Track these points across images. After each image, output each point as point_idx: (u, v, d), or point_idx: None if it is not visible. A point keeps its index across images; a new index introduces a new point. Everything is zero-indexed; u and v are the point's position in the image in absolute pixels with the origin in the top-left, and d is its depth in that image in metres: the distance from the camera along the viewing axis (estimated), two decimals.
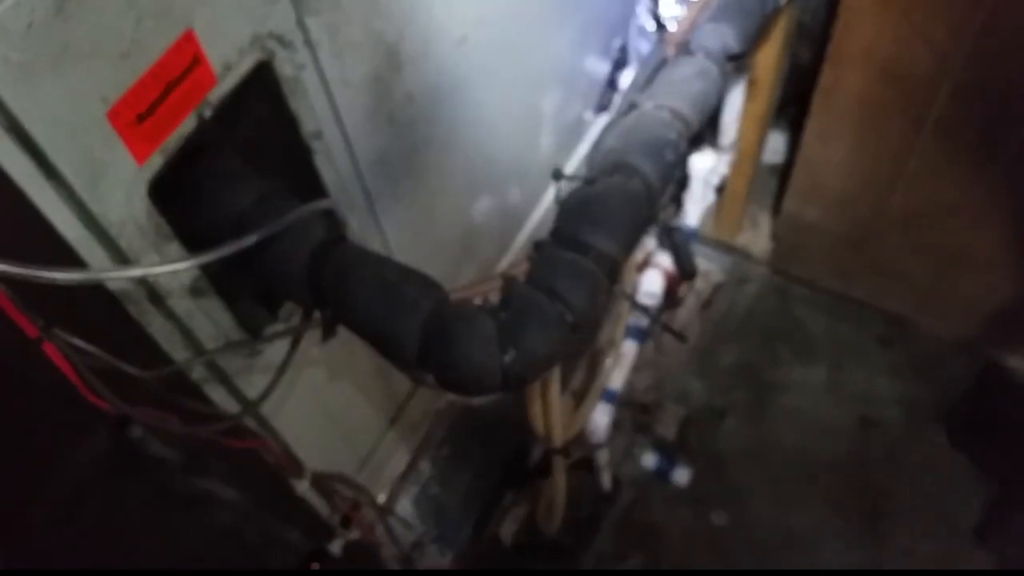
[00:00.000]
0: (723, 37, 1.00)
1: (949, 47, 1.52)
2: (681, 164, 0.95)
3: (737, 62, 1.03)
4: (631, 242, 0.88)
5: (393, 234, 1.15)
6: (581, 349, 1.32)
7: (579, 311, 0.81)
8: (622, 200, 0.89)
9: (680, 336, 1.52)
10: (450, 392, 0.79)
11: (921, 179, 1.76)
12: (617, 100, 1.54)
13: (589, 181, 0.93)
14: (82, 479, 0.90)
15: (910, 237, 1.92)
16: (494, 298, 0.87)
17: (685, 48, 0.99)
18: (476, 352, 0.76)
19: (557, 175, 0.96)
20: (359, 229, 1.07)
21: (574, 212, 0.89)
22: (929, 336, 2.13)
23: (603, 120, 1.59)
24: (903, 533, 1.95)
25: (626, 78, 1.53)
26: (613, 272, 0.86)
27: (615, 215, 0.87)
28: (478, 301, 0.89)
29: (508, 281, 0.86)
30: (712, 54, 0.98)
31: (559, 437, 1.17)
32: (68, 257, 0.70)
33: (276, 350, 0.94)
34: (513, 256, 1.58)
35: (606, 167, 0.93)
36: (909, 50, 1.55)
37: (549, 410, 1.11)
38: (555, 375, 1.06)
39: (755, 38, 1.07)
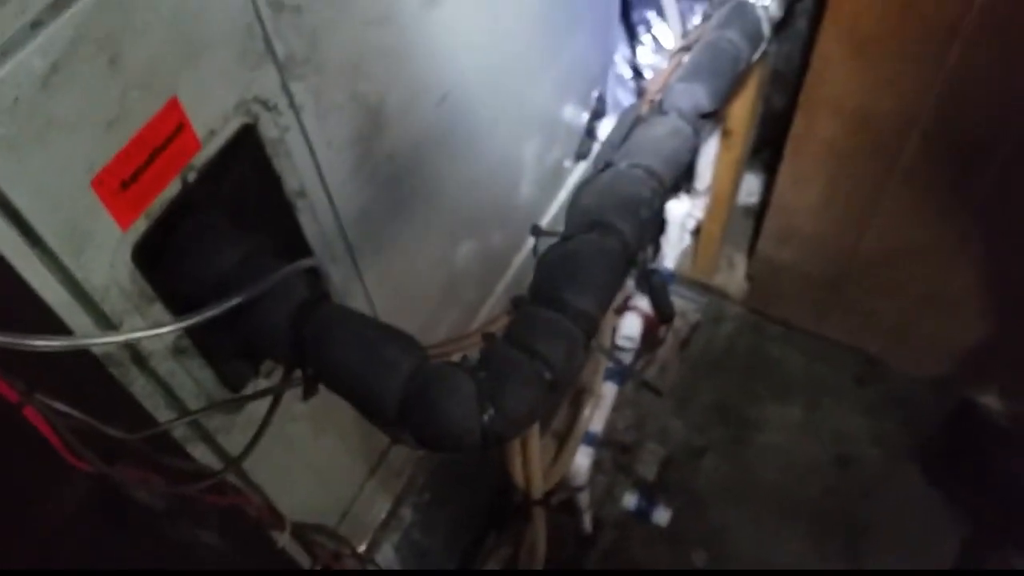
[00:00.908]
0: (695, 96, 1.03)
1: (917, 96, 1.58)
2: (656, 220, 0.97)
3: (710, 119, 1.06)
4: (607, 299, 0.90)
5: (374, 285, 1.16)
6: (558, 403, 1.33)
7: (557, 369, 0.82)
8: (599, 258, 0.91)
9: (656, 390, 1.54)
10: (429, 450, 0.79)
11: (892, 223, 1.80)
12: (596, 148, 1.57)
13: (566, 237, 0.95)
14: (65, 520, 0.89)
15: (882, 278, 1.96)
16: (474, 352, 0.88)
17: (659, 107, 1.03)
18: (455, 411, 0.77)
19: (535, 231, 0.98)
20: (341, 281, 1.09)
21: (552, 270, 0.91)
22: (903, 375, 2.17)
23: (582, 167, 1.63)
24: (882, 570, 1.96)
25: (605, 127, 1.57)
26: (590, 329, 0.88)
27: (592, 273, 0.89)
28: (457, 358, 0.90)
29: (487, 339, 0.88)
30: (684, 113, 1.02)
31: (539, 489, 1.18)
32: (51, 322, 0.71)
33: (258, 405, 0.95)
34: (496, 300, 1.59)
35: (583, 224, 0.95)
36: (878, 99, 1.60)
37: (529, 463, 1.12)
38: (534, 429, 1.07)
39: (727, 95, 1.10)
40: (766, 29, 1.17)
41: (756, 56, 1.14)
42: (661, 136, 1.00)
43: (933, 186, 1.70)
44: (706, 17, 1.26)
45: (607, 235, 0.93)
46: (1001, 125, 1.54)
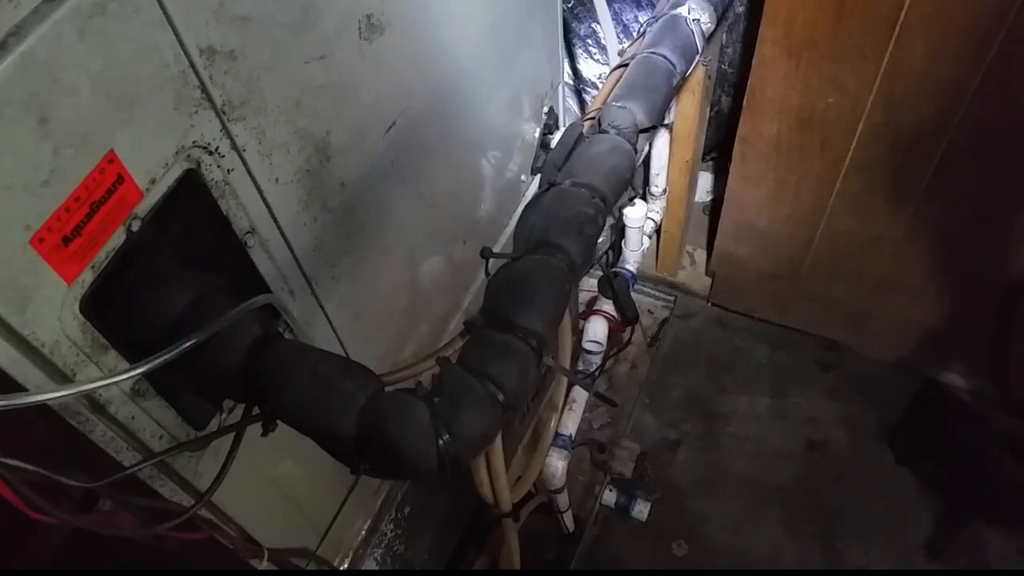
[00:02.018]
0: (632, 114, 1.06)
1: (858, 92, 1.61)
2: (598, 236, 1.00)
3: (651, 132, 1.09)
4: (556, 317, 0.92)
5: (336, 312, 1.18)
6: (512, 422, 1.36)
7: (510, 390, 0.85)
8: (546, 278, 0.93)
9: (611, 402, 1.57)
10: (389, 479, 0.81)
11: (843, 215, 1.85)
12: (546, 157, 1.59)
13: (515, 258, 0.97)
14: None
15: (838, 268, 2.00)
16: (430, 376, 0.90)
17: (598, 125, 1.05)
18: (411, 440, 0.79)
19: (485, 253, 1.00)
20: (302, 312, 1.10)
21: (501, 292, 0.93)
22: (866, 358, 2.22)
23: (538, 180, 1.65)
24: (857, 551, 2.01)
25: (557, 139, 1.60)
26: (540, 348, 0.90)
27: (539, 293, 0.91)
28: (415, 383, 0.92)
29: (442, 363, 0.90)
30: (623, 131, 1.04)
31: (507, 502, 1.21)
32: (1, 380, 0.72)
33: (224, 438, 0.96)
34: (463, 313, 1.61)
35: (530, 245, 0.97)
36: (822, 98, 1.64)
37: (495, 478, 1.15)
38: (497, 445, 1.09)
39: (663, 110, 1.13)
40: (699, 43, 1.19)
41: (691, 69, 1.17)
42: (602, 154, 1.02)
43: (880, 178, 1.74)
44: (642, 33, 1.29)
45: (553, 254, 0.95)
46: (941, 114, 1.58)
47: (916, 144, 1.67)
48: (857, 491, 2.08)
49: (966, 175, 1.67)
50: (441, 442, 0.80)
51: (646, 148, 1.73)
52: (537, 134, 1.61)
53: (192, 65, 0.79)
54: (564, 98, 1.66)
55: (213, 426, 1.00)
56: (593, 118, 1.06)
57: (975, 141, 1.59)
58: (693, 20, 1.19)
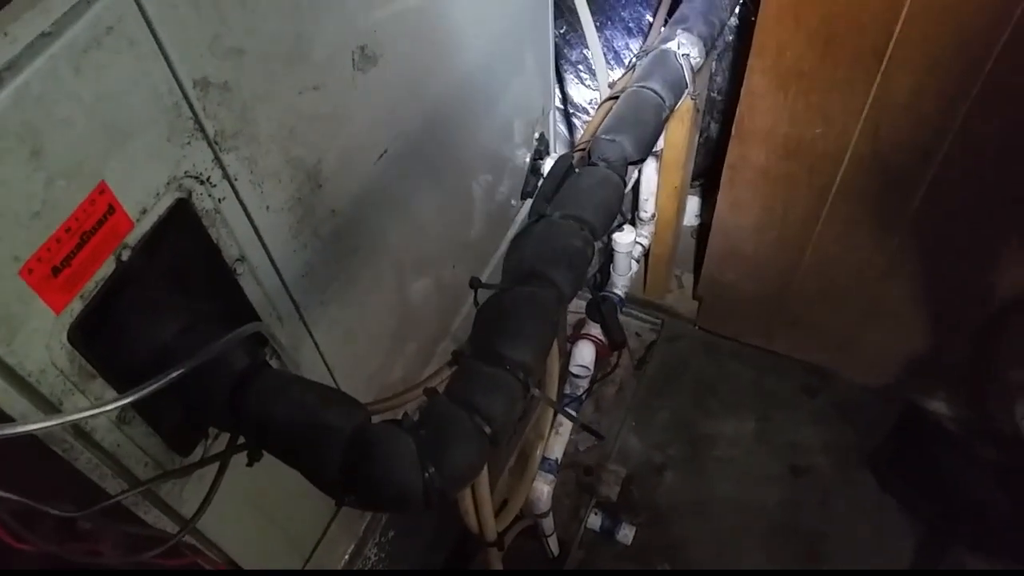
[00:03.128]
0: (621, 147, 1.07)
1: (845, 123, 1.64)
2: (587, 268, 1.01)
3: (639, 164, 1.10)
4: (544, 349, 0.93)
5: (324, 338, 1.18)
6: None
7: (497, 423, 0.85)
8: (535, 310, 0.94)
9: (597, 434, 1.57)
10: (374, 511, 0.81)
11: (828, 243, 1.87)
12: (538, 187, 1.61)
13: (504, 289, 0.98)
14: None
15: (824, 294, 2.02)
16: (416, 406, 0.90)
17: (587, 158, 1.06)
18: (396, 473, 0.79)
19: (474, 283, 1.01)
20: (290, 339, 1.10)
21: (489, 323, 0.93)
22: (851, 384, 2.24)
23: (528, 205, 1.66)
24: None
25: (548, 165, 1.61)
26: (528, 379, 0.90)
27: (528, 325, 0.92)
28: (401, 412, 0.92)
29: (429, 393, 0.90)
30: (612, 164, 1.05)
31: (492, 531, 1.21)
32: None
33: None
34: (452, 337, 1.62)
35: (519, 276, 0.98)
36: (809, 127, 1.66)
37: (480, 507, 1.15)
38: (483, 475, 1.09)
39: (652, 143, 1.15)
40: (688, 77, 1.21)
41: (680, 103, 1.19)
42: (591, 187, 1.04)
43: (866, 207, 1.77)
44: (632, 66, 1.30)
45: (542, 286, 0.96)
46: (927, 145, 1.61)
47: (902, 174, 1.69)
48: (840, 516, 2.09)
49: (951, 205, 1.70)
50: (427, 475, 0.80)
51: (635, 175, 1.75)
52: (528, 159, 1.62)
53: (185, 96, 0.80)
54: (555, 123, 1.67)
55: (198, 453, 1.00)
56: (583, 150, 1.07)
57: (960, 172, 1.62)
58: (683, 55, 1.21)
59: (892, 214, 1.78)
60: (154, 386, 0.76)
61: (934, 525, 2.04)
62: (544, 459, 1.68)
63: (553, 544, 2.00)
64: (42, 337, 0.73)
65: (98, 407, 0.74)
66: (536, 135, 1.62)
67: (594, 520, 2.11)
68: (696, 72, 1.23)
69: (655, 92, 1.16)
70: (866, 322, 2.06)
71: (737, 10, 1.64)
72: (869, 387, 2.22)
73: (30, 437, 0.78)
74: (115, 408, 0.77)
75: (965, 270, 1.82)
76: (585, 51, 1.77)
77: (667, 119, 1.21)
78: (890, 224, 1.80)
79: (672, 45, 1.24)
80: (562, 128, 1.77)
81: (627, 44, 1.75)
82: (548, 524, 1.88)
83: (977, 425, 2.12)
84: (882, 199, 1.76)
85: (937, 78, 1.49)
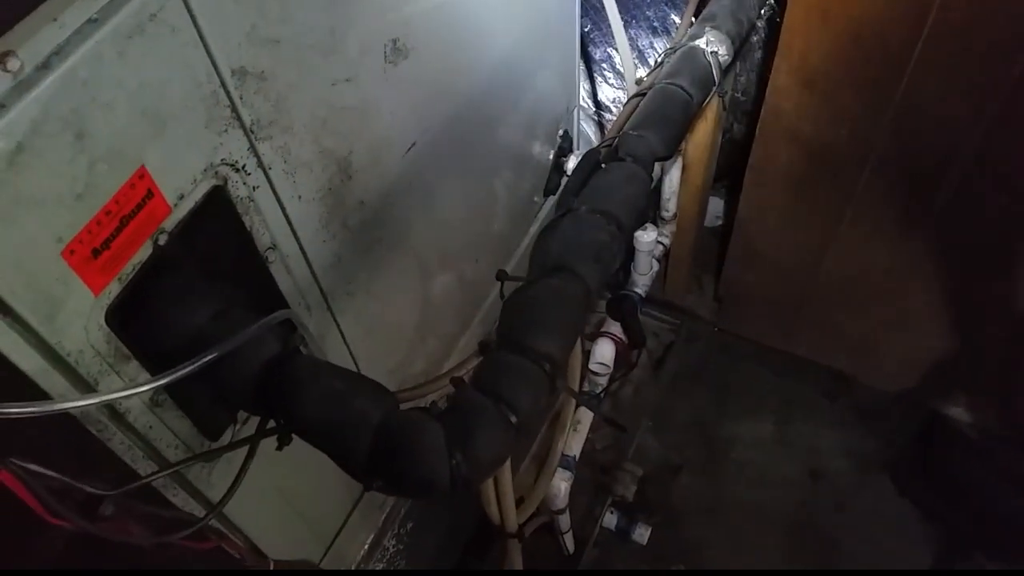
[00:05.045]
0: (649, 143, 1.08)
1: (869, 127, 1.63)
2: (617, 260, 1.01)
3: (666, 159, 1.11)
4: (570, 342, 0.93)
5: (350, 328, 1.19)
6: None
7: (523, 413, 0.86)
8: (561, 302, 0.94)
9: (620, 427, 1.57)
10: (401, 496, 0.82)
11: (850, 246, 1.86)
12: (564, 183, 1.61)
13: (530, 282, 0.98)
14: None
15: (845, 298, 2.01)
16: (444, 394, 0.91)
17: (615, 153, 1.07)
18: (425, 459, 0.80)
19: (501, 276, 1.02)
20: (317, 327, 1.11)
21: (516, 315, 0.94)
22: (872, 389, 2.22)
23: (551, 202, 1.67)
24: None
25: (571, 163, 1.62)
26: (554, 371, 0.91)
27: (555, 317, 0.93)
28: (428, 401, 0.93)
29: (456, 383, 0.91)
30: (639, 159, 1.06)
31: (513, 523, 1.21)
32: (26, 386, 0.73)
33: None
34: (473, 331, 1.63)
35: (546, 269, 0.99)
36: (832, 130, 1.66)
37: (502, 498, 1.15)
38: (506, 466, 1.10)
39: (679, 139, 1.15)
40: (716, 75, 1.22)
41: (708, 100, 1.19)
42: (618, 181, 1.04)
43: (889, 211, 1.76)
44: (660, 63, 1.31)
45: (569, 279, 0.96)
46: (952, 149, 1.60)
47: (926, 177, 1.68)
48: (858, 521, 2.08)
49: (975, 209, 1.68)
50: (454, 462, 0.81)
51: (659, 173, 1.75)
52: (551, 156, 1.63)
53: (223, 85, 0.81)
54: (578, 121, 1.68)
55: (227, 437, 1.02)
56: (610, 145, 1.08)
57: (986, 176, 1.61)
58: (711, 52, 1.21)
59: (916, 217, 1.76)
60: (188, 369, 0.77)
61: (953, 531, 2.02)
62: (562, 456, 1.68)
63: (569, 541, 2.00)
64: (81, 318, 0.75)
65: (132, 388, 0.76)
66: (560, 132, 1.63)
67: (610, 519, 2.11)
68: (724, 70, 1.23)
69: (683, 89, 1.16)
70: (888, 327, 2.04)
71: (764, 10, 1.64)
72: (889, 392, 2.21)
73: (64, 416, 0.80)
74: (149, 390, 0.78)
75: (990, 275, 1.80)
76: (609, 49, 1.78)
77: (694, 116, 1.21)
78: (914, 228, 1.79)
79: (701, 42, 1.24)
80: (585, 126, 1.78)
81: (651, 43, 1.76)
82: (564, 521, 1.88)
83: (1000, 433, 2.10)
84: (906, 202, 1.75)
85: (964, 79, 1.48)
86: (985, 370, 2.03)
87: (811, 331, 2.18)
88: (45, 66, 0.64)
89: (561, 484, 1.73)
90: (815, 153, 1.71)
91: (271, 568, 1.17)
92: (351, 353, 1.23)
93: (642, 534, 2.08)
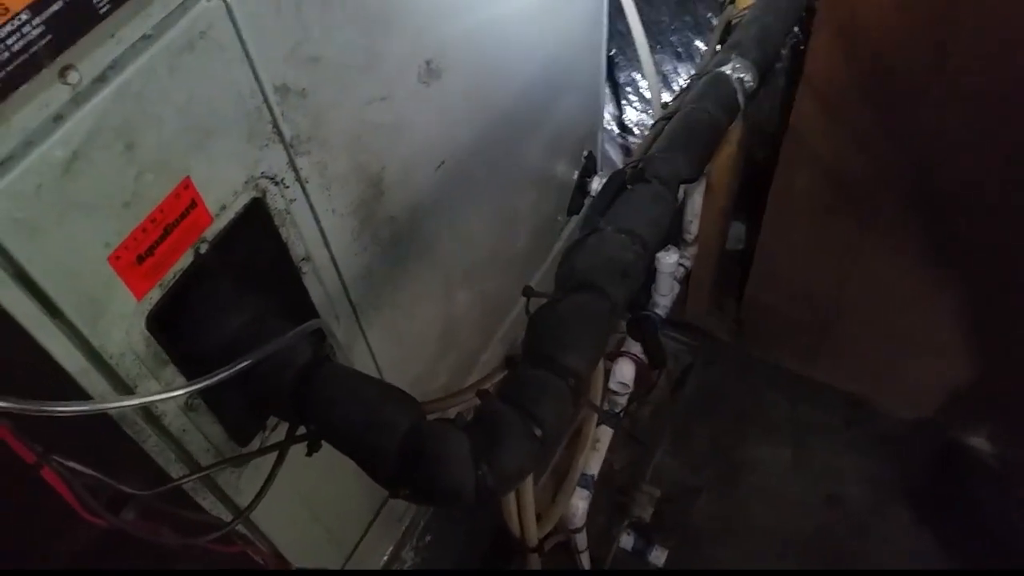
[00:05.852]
0: (675, 165, 1.10)
1: (891, 156, 1.64)
2: (641, 279, 1.03)
3: (690, 183, 1.13)
4: (595, 358, 0.95)
5: (377, 340, 1.21)
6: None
7: (548, 427, 0.87)
8: (588, 319, 0.96)
9: (642, 442, 1.58)
10: (426, 505, 0.84)
11: (872, 272, 1.86)
12: (587, 203, 1.64)
13: (557, 299, 1.00)
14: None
15: (866, 324, 2.01)
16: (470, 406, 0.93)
17: (641, 174, 1.09)
18: (451, 469, 0.82)
19: (527, 291, 1.03)
20: (345, 338, 1.14)
21: (543, 330, 0.95)
22: (891, 415, 2.21)
23: (575, 221, 1.69)
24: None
25: (595, 184, 1.64)
26: (579, 387, 0.93)
27: (581, 334, 0.94)
28: (454, 412, 0.95)
29: (482, 396, 0.93)
30: (665, 181, 1.08)
31: (534, 536, 1.22)
32: (69, 386, 0.76)
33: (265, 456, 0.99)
34: (495, 346, 1.65)
35: (571, 285, 1.00)
36: (854, 158, 1.67)
37: (524, 512, 1.16)
38: (528, 480, 1.11)
39: (705, 162, 1.17)
40: (741, 100, 1.23)
41: (733, 124, 1.21)
42: (643, 202, 1.06)
43: (910, 238, 1.76)
44: (687, 87, 1.33)
45: (595, 296, 0.98)
46: (975, 177, 1.61)
47: (946, 208, 1.69)
48: (875, 549, 2.06)
49: (999, 237, 1.68)
50: (479, 473, 0.82)
51: (682, 196, 1.77)
52: (575, 177, 1.65)
53: (266, 101, 0.84)
54: (603, 143, 1.70)
55: (256, 443, 1.04)
56: (636, 166, 1.10)
57: (1009, 203, 1.61)
58: (737, 79, 1.23)
59: (938, 244, 1.77)
60: (224, 374, 0.80)
61: (970, 561, 2.00)
62: (581, 475, 1.69)
63: (585, 560, 2.00)
64: (123, 322, 0.77)
65: (170, 391, 0.78)
66: (584, 153, 1.65)
67: (626, 540, 2.11)
68: (750, 96, 1.26)
69: (709, 113, 1.18)
70: (909, 353, 2.04)
71: (788, 37, 1.66)
72: (909, 419, 2.19)
73: (102, 417, 0.83)
74: (185, 394, 0.81)
75: (1014, 303, 1.80)
76: (634, 74, 1.81)
77: (720, 141, 1.23)
78: (936, 254, 1.79)
79: (727, 68, 1.26)
80: (609, 148, 1.80)
81: (675, 68, 1.79)
82: (582, 540, 1.88)
83: (1021, 463, 2.08)
84: (927, 232, 1.75)
85: (986, 110, 1.49)
86: (1008, 399, 2.01)
87: (831, 355, 2.17)
88: (101, 79, 0.67)
89: (579, 503, 1.73)
90: (838, 178, 1.72)
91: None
92: (376, 363, 1.25)
93: (658, 556, 2.07)
